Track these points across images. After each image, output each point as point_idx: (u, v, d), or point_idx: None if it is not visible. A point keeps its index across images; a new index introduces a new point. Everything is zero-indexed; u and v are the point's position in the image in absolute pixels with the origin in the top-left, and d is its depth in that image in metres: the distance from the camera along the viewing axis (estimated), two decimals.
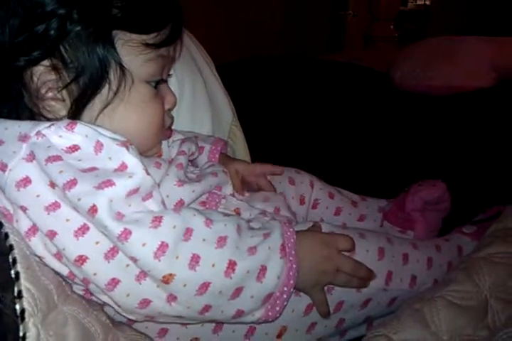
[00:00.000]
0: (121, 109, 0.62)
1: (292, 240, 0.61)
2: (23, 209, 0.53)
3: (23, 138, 0.54)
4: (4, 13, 0.56)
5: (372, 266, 0.67)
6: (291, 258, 0.60)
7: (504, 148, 1.23)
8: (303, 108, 1.54)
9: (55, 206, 0.53)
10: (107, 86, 0.60)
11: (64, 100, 0.60)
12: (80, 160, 0.55)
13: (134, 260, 0.54)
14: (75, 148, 0.55)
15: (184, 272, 0.55)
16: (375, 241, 0.71)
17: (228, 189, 0.75)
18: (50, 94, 0.59)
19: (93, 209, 0.52)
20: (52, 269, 0.55)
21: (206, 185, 0.70)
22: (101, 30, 0.58)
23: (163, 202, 0.59)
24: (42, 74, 0.58)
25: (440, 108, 1.50)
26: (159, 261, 0.53)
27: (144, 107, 0.64)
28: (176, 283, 0.54)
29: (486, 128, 1.34)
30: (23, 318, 0.45)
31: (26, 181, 0.53)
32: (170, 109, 0.71)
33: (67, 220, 0.53)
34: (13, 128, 0.55)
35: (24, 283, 0.47)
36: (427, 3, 3.66)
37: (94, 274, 0.54)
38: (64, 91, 0.59)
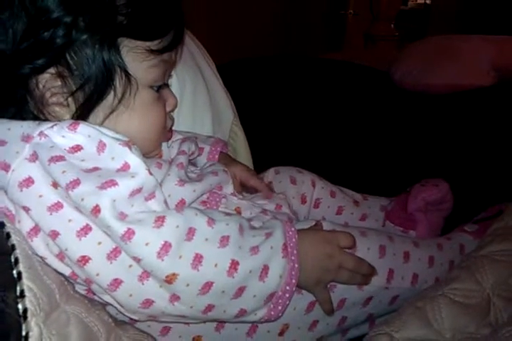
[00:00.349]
0: (125, 115, 0.62)
1: (294, 239, 0.62)
2: (26, 209, 0.53)
3: (26, 138, 0.54)
4: (7, 19, 0.56)
5: (373, 264, 0.67)
6: (293, 257, 0.60)
7: (505, 147, 1.23)
8: (304, 107, 1.54)
9: (57, 206, 0.53)
10: (112, 92, 0.60)
11: (69, 106, 0.60)
12: (82, 160, 0.55)
13: (137, 260, 0.54)
14: (77, 148, 0.55)
15: (187, 272, 0.55)
16: (376, 239, 0.71)
17: (229, 188, 0.75)
18: (54, 100, 0.59)
19: (96, 210, 0.52)
20: (55, 269, 0.55)
21: (207, 185, 0.70)
22: (107, 37, 0.58)
23: (165, 202, 0.59)
24: (47, 81, 0.58)
25: (441, 106, 1.50)
26: (162, 260, 0.53)
27: (147, 111, 0.64)
28: (179, 282, 0.55)
29: (487, 127, 1.34)
30: (25, 317, 0.45)
31: (29, 181, 0.53)
32: (171, 111, 0.71)
33: (70, 220, 0.53)
34: (16, 128, 0.55)
35: (26, 283, 0.47)
36: (428, 2, 3.65)
37: (97, 274, 0.54)
38: (69, 98, 0.59)
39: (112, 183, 0.53)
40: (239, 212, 0.72)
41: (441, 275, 0.72)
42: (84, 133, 0.56)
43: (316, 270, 0.63)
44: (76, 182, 0.53)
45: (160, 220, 0.55)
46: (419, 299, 0.64)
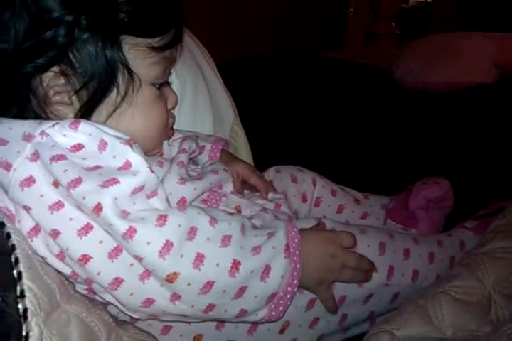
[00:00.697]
0: (128, 112, 0.62)
1: (296, 240, 0.61)
2: (27, 208, 0.53)
3: (28, 137, 0.55)
4: (9, 18, 0.56)
5: (373, 261, 0.67)
6: (295, 258, 0.60)
7: (506, 145, 1.23)
8: (305, 106, 1.54)
9: (58, 205, 0.53)
10: (115, 90, 0.60)
11: (72, 104, 0.60)
12: (84, 159, 0.55)
13: (139, 259, 0.54)
14: (79, 147, 0.55)
15: (188, 271, 0.55)
16: (375, 236, 0.71)
17: (229, 187, 0.75)
18: (58, 99, 0.59)
19: (98, 208, 0.52)
20: (55, 269, 0.55)
21: (207, 183, 0.70)
22: (109, 35, 0.58)
23: (167, 200, 0.59)
24: (51, 80, 0.58)
25: (442, 104, 1.50)
26: (164, 259, 0.53)
27: (150, 109, 0.65)
28: (180, 281, 0.54)
29: (489, 125, 1.33)
30: (25, 317, 0.45)
31: (30, 181, 0.53)
32: (172, 109, 0.71)
33: (71, 219, 0.53)
34: (18, 127, 0.56)
35: (26, 283, 0.47)
36: (428, 0, 3.65)
37: (98, 273, 0.54)
38: (73, 96, 0.59)
39: (114, 181, 0.54)
40: (239, 211, 0.72)
41: (442, 272, 0.72)
42: (85, 132, 0.56)
43: (319, 270, 0.63)
44: (78, 181, 0.53)
45: (162, 219, 0.55)
46: (420, 297, 0.64)
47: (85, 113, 0.60)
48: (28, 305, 0.46)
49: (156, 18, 0.62)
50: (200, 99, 1.02)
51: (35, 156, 0.54)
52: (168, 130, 0.71)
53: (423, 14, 3.47)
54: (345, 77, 1.70)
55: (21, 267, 0.48)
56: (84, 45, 0.57)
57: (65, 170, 0.53)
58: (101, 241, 0.54)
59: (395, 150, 1.28)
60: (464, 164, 1.16)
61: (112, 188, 0.53)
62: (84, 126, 0.56)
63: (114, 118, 0.61)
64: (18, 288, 0.46)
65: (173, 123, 0.73)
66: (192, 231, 0.56)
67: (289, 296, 0.60)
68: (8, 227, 0.52)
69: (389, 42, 2.90)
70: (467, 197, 0.93)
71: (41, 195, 0.53)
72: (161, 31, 0.62)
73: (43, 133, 0.55)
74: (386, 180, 1.10)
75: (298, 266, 0.60)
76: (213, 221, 0.58)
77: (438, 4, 3.31)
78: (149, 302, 0.55)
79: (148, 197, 0.56)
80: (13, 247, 0.50)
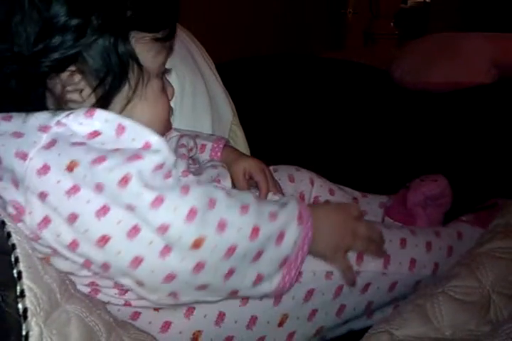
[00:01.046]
0: (138, 105, 0.63)
1: (308, 211, 0.64)
2: (44, 195, 0.54)
3: (44, 128, 0.56)
4: (20, 22, 0.56)
5: None
6: (308, 225, 0.63)
7: (504, 144, 1.23)
8: (304, 106, 1.54)
9: (75, 189, 0.54)
10: (127, 84, 0.62)
11: (87, 101, 0.61)
12: (103, 144, 0.57)
13: (165, 228, 0.55)
14: (95, 134, 0.57)
15: (213, 235, 0.57)
16: None
17: (227, 182, 0.75)
18: (74, 97, 0.60)
19: (126, 178, 0.54)
20: (67, 259, 0.56)
21: (208, 176, 0.72)
22: (119, 32, 0.59)
23: (180, 180, 0.60)
24: (66, 79, 0.59)
25: (441, 104, 1.50)
26: (191, 224, 0.56)
27: (157, 100, 0.66)
28: (206, 246, 0.56)
29: (487, 124, 1.34)
30: (25, 317, 0.45)
31: (46, 168, 0.54)
32: (170, 100, 0.72)
33: (88, 202, 0.54)
34: (31, 120, 0.57)
35: (26, 282, 0.47)
36: (427, 0, 3.65)
37: (118, 253, 0.55)
38: (87, 93, 0.60)
39: (138, 157, 0.56)
40: None
41: (440, 260, 0.74)
42: (100, 119, 0.57)
43: (332, 238, 0.66)
44: (102, 158, 0.55)
45: (185, 188, 0.57)
46: (419, 296, 0.64)
47: (101, 108, 0.60)
48: (28, 304, 0.46)
49: (161, 12, 0.63)
50: (199, 99, 1.02)
51: (51, 144, 0.55)
52: (169, 122, 0.72)
53: (422, 14, 3.47)
54: (344, 77, 1.70)
55: (21, 266, 0.48)
56: (96, 44, 0.58)
57: (87, 152, 0.55)
58: (119, 222, 0.55)
59: (394, 150, 1.29)
60: (462, 163, 1.16)
61: (136, 162, 0.55)
62: (99, 113, 0.58)
63: (126, 112, 0.63)
64: (18, 288, 0.47)
65: (171, 115, 0.75)
66: (212, 201, 0.58)
67: (299, 261, 0.62)
68: (9, 226, 0.52)
69: (388, 42, 2.90)
70: (465, 195, 0.93)
71: (58, 181, 0.54)
72: (165, 24, 0.64)
73: (59, 123, 0.56)
74: (385, 180, 1.10)
75: (310, 233, 0.63)
76: (229, 193, 0.61)
77: (437, 4, 3.31)
78: (171, 277, 0.56)
79: (165, 177, 0.58)
80: (14, 246, 0.50)
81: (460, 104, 1.48)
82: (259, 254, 0.60)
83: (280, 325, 0.67)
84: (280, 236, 0.61)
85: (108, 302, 0.60)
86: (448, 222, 0.87)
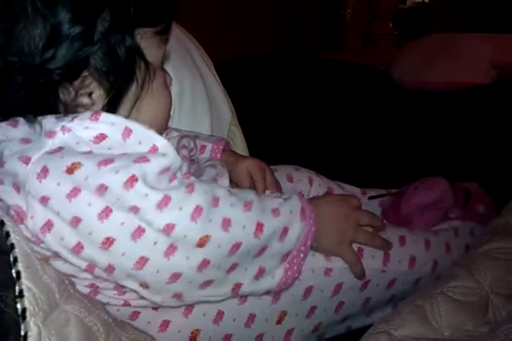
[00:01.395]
0: (146, 99, 0.64)
1: (310, 206, 0.65)
2: (45, 199, 0.54)
3: (49, 133, 0.56)
4: (27, 30, 0.56)
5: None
6: (310, 221, 0.64)
7: (504, 144, 1.24)
8: (302, 106, 1.54)
9: (75, 192, 0.54)
10: (135, 82, 0.62)
11: (98, 103, 0.60)
12: (109, 149, 0.57)
13: (170, 227, 0.55)
14: (102, 137, 0.57)
15: (219, 233, 0.57)
16: None
17: (224, 181, 0.75)
18: (84, 100, 0.60)
19: (132, 179, 0.54)
20: (72, 264, 0.56)
21: (208, 177, 0.73)
22: (125, 31, 0.59)
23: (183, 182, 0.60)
24: (77, 84, 0.59)
25: (440, 105, 1.50)
26: (196, 223, 0.56)
27: (162, 92, 0.67)
28: (211, 244, 0.57)
29: (486, 125, 1.34)
30: (24, 317, 0.45)
31: (45, 171, 0.54)
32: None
33: (89, 204, 0.54)
34: (38, 126, 0.57)
35: (25, 282, 0.47)
36: (426, 0, 3.65)
37: (123, 254, 0.55)
38: (97, 95, 0.60)
39: (145, 159, 0.56)
40: None
41: (439, 258, 0.74)
42: (106, 122, 0.57)
43: (335, 230, 0.68)
44: (109, 160, 0.55)
45: (190, 186, 0.58)
46: (418, 297, 0.64)
47: (111, 109, 0.61)
48: (27, 305, 0.46)
49: (161, 4, 0.64)
50: (198, 99, 1.02)
51: (56, 151, 0.55)
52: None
53: (421, 14, 3.47)
54: (343, 78, 1.70)
55: (20, 266, 0.48)
56: (105, 46, 0.58)
57: (93, 157, 0.55)
58: (122, 223, 0.54)
59: (393, 150, 1.29)
60: (461, 163, 1.17)
61: (143, 164, 0.55)
62: (105, 116, 0.57)
63: (136, 108, 0.63)
64: (17, 288, 0.46)
65: None
66: (215, 200, 0.59)
67: (302, 255, 0.64)
68: (8, 226, 0.51)
69: (387, 42, 2.90)
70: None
71: (58, 184, 0.54)
72: (165, 16, 0.64)
73: (64, 128, 0.56)
74: (384, 180, 1.10)
75: (313, 228, 0.64)
76: (231, 192, 0.62)
77: (435, 5, 3.31)
78: (176, 276, 0.57)
79: (170, 179, 0.58)
80: (12, 246, 0.50)
81: (459, 104, 1.48)
82: (262, 250, 0.61)
83: (279, 322, 0.67)
84: (284, 232, 0.62)
85: (107, 303, 0.60)
86: None
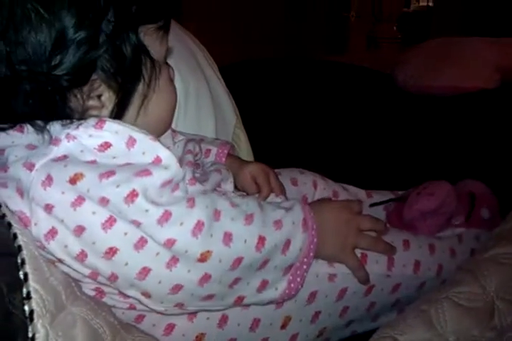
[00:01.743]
0: (154, 97, 0.63)
1: (312, 216, 0.65)
2: (49, 207, 0.53)
3: (54, 141, 0.55)
4: (33, 36, 0.55)
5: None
6: (313, 232, 0.64)
7: (506, 148, 1.24)
8: (307, 110, 1.55)
9: (80, 200, 0.54)
10: (142, 80, 0.62)
11: (107, 105, 0.60)
12: (114, 158, 0.56)
13: (171, 242, 0.55)
14: (106, 146, 0.56)
15: (220, 248, 0.57)
16: None
17: (228, 185, 0.75)
18: (95, 103, 0.59)
19: (133, 194, 0.54)
20: (63, 271, 0.56)
21: (213, 182, 0.72)
22: (129, 31, 0.59)
23: (187, 191, 0.60)
24: (87, 87, 0.58)
25: (444, 109, 1.50)
26: (197, 238, 0.56)
27: (169, 88, 0.67)
28: (213, 260, 0.56)
29: (489, 129, 1.34)
30: (31, 319, 0.45)
31: (49, 179, 0.54)
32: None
33: (94, 213, 0.54)
34: (44, 132, 0.57)
35: (33, 284, 0.47)
36: (430, 4, 3.65)
37: (125, 264, 0.55)
38: (106, 97, 0.60)
39: (147, 172, 0.55)
40: None
41: (444, 262, 0.74)
42: (111, 131, 0.57)
43: (337, 237, 0.67)
44: (111, 172, 0.54)
45: (191, 201, 0.57)
46: (423, 302, 0.64)
47: (121, 110, 0.61)
48: (34, 306, 0.46)
49: (162, 1, 0.63)
50: (203, 102, 1.02)
51: (60, 159, 0.55)
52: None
53: (425, 18, 3.47)
54: (347, 81, 1.70)
55: (27, 268, 0.48)
56: (111, 48, 0.58)
57: (97, 167, 0.55)
58: (126, 233, 0.54)
59: (398, 153, 1.29)
60: (465, 167, 1.16)
61: (145, 178, 0.55)
62: (109, 124, 0.57)
63: (144, 107, 0.63)
64: (25, 290, 0.47)
65: None
66: (216, 213, 0.58)
67: (305, 267, 0.63)
68: (15, 228, 0.52)
69: (391, 46, 2.91)
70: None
71: (62, 193, 0.54)
72: (166, 10, 0.64)
73: (69, 136, 0.55)
74: (390, 183, 1.10)
75: (315, 239, 0.64)
76: (233, 203, 0.61)
77: (440, 8, 3.31)
78: (177, 288, 0.57)
79: (173, 190, 0.58)
80: (20, 248, 0.50)
81: (463, 108, 1.48)
82: (264, 263, 0.61)
83: (283, 327, 0.67)
84: (286, 245, 0.62)
85: (113, 306, 0.60)
86: None
